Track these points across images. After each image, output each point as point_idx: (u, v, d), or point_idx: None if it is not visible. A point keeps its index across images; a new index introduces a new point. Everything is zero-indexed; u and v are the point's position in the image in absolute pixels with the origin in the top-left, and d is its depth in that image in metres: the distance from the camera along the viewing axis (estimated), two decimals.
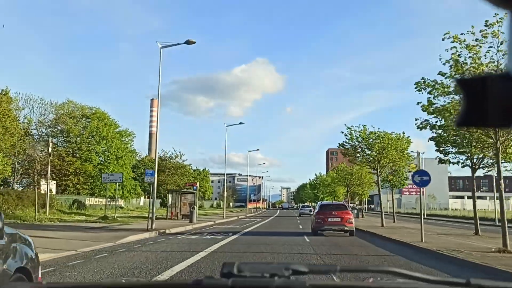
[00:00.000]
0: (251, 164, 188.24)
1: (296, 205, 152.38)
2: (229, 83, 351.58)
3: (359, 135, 23.75)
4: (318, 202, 29.19)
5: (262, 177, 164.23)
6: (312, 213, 36.71)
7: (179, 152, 54.92)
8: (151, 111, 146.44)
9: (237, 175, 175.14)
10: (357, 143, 24.25)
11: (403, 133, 23.19)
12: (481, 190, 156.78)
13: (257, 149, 64.13)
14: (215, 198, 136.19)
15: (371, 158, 23.95)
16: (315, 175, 71.78)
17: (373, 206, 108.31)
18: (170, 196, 32.83)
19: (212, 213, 55.24)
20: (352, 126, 24.02)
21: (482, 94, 0.71)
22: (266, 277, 1.10)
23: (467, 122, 0.75)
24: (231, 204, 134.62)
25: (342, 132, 24.48)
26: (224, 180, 44.53)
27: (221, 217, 40.65)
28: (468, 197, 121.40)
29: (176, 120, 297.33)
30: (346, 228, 19.45)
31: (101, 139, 45.08)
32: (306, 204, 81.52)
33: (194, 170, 79.90)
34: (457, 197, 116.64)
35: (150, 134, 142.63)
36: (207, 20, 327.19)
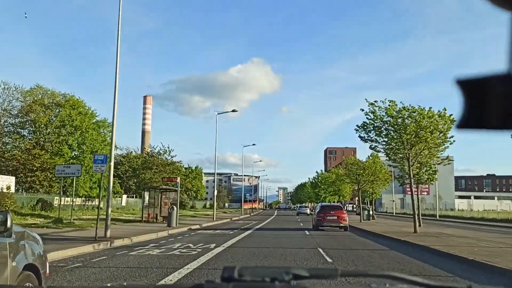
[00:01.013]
0: (248, 164, 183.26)
1: (293, 206, 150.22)
2: (225, 83, 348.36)
3: (386, 112, 18.07)
4: (319, 203, 33.36)
5: (259, 176, 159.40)
6: (308, 213, 53.69)
7: (168, 147, 49.18)
8: (144, 108, 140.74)
9: (233, 175, 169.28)
10: (382, 124, 18.49)
11: (445, 109, 17.37)
12: (485, 190, 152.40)
13: (253, 144, 58.26)
14: (210, 199, 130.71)
15: (402, 144, 18.13)
16: (316, 172, 66.13)
17: (373, 207, 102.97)
18: (146, 194, 27.10)
19: (202, 214, 49.56)
20: (376, 101, 18.44)
21: (482, 96, 0.69)
22: (267, 281, 1.10)
23: (466, 124, 0.71)
24: (226, 204, 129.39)
25: (362, 110, 18.87)
26: (214, 176, 38.80)
27: (211, 218, 35.00)
28: (475, 197, 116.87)
29: (172, 120, 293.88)
30: (341, 225, 23.37)
31: (74, 130, 39.24)
32: (303, 204, 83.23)
33: (186, 168, 74.20)
34: (462, 197, 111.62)
35: (143, 132, 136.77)
36: (203, 20, 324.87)
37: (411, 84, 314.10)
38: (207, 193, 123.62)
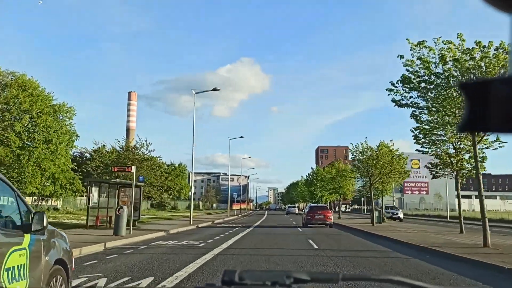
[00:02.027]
0: (237, 165, 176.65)
1: (284, 206, 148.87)
2: (214, 83, 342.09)
3: (441, 56, 11.44)
4: (308, 204, 38.03)
5: (248, 176, 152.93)
6: (296, 212, 61.35)
7: (145, 140, 42.57)
8: (129, 104, 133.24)
9: (221, 174, 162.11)
10: (438, 75, 11.82)
11: None
12: (485, 189, 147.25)
13: (241, 137, 54.39)
14: (199, 199, 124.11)
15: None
16: (312, 168, 59.28)
17: (364, 207, 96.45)
18: (94, 190, 20.25)
19: (182, 216, 42.78)
20: (424, 40, 11.90)
21: (485, 99, 0.69)
22: (268, 285, 1.10)
23: (469, 127, 0.71)
24: (214, 205, 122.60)
25: (401, 57, 12.41)
26: (191, 162, 31.80)
27: (188, 222, 28.27)
28: (476, 197, 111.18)
29: (161, 120, 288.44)
30: (327, 223, 27.22)
31: (23, 113, 32.20)
32: (293, 205, 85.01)
33: (168, 165, 66.99)
34: (463, 196, 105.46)
35: (128, 130, 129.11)
36: (193, 21, 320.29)
37: None
38: (195, 193, 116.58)
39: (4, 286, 3.96)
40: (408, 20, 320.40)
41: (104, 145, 46.32)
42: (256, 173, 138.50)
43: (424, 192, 76.73)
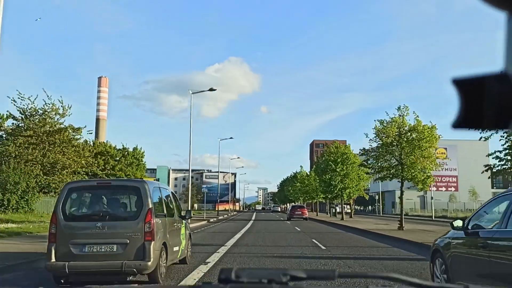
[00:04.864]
0: (226, 166, 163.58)
1: (268, 206, 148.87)
2: (203, 82, 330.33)
3: None
4: (291, 204, 57.47)
5: (235, 173, 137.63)
6: (279, 210, 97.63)
7: (60, 102, 27.38)
8: (98, 91, 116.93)
9: (205, 171, 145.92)
10: None
11: None
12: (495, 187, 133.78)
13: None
14: (180, 199, 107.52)
15: None
16: (316, 157, 41.88)
17: (369, 208, 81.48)
18: None
19: None
20: None
21: (478, 95, 0.69)
22: (264, 283, 1.10)
23: (463, 124, 0.72)
24: (195, 205, 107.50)
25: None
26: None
27: None
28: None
29: (148, 120, 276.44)
30: (303, 217, 38.91)
31: None
32: (276, 204, 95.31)
33: (119, 150, 46.57)
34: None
35: (98, 120, 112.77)
36: (180, 20, 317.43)
37: (390, 85, 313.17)
38: (176, 191, 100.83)
39: (181, 242, 9.20)
40: (398, 23, 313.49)
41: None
42: (245, 173, 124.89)
43: (453, 189, 61.87)
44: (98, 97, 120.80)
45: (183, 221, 9.61)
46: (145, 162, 47.63)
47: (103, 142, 45.72)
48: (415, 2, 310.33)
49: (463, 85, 0.70)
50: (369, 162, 23.35)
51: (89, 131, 29.96)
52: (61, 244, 6.90)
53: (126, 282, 7.05)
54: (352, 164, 33.72)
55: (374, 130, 20.75)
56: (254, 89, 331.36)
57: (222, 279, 1.10)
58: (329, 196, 38.89)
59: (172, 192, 9.58)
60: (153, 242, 6.97)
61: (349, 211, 45.93)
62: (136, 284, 7.28)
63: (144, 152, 46.90)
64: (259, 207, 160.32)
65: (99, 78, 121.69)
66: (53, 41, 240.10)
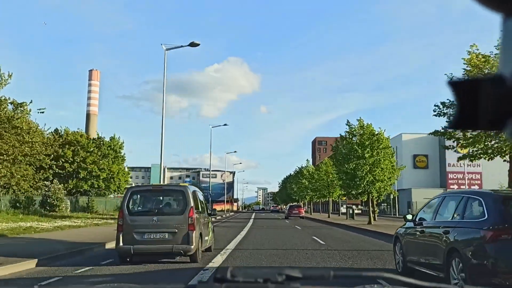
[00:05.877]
0: (227, 166, 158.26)
1: (264, 206, 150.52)
2: (202, 82, 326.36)
3: None
4: (289, 204, 59.40)
5: (234, 172, 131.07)
6: (278, 210, 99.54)
7: (8, 75, 20.40)
8: (89, 85, 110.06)
9: (203, 169, 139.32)
10: None
11: None
12: None
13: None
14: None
15: None
16: (336, 140, 31.25)
17: (394, 209, 74.25)
18: None
19: (79, 226, 21.12)
20: None
21: (474, 97, 0.70)
22: (260, 282, 1.10)
23: (458, 124, 0.73)
24: None
25: None
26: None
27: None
28: None
29: (148, 121, 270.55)
30: (300, 215, 43.58)
31: None
32: (274, 204, 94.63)
33: (94, 139, 41.12)
34: None
35: (88, 115, 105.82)
36: (181, 20, 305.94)
37: (390, 86, 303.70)
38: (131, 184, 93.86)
39: (209, 233, 11.80)
40: (398, 23, 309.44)
41: None
42: (243, 170, 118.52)
43: (476, 187, 55.26)
44: (89, 91, 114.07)
45: (209, 217, 12.44)
46: (124, 154, 40.55)
47: (75, 131, 38.65)
48: (415, 2, 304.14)
49: (459, 87, 0.70)
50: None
51: (40, 109, 22.23)
52: (127, 233, 9.50)
53: (174, 262, 9.89)
54: (384, 150, 26.28)
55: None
56: (254, 89, 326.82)
57: (217, 278, 1.09)
58: (352, 192, 28.69)
59: (202, 195, 12.37)
60: (194, 231, 9.61)
61: (359, 211, 39.66)
62: (135, 284, 7.39)
63: (123, 143, 39.96)
64: (257, 207, 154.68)
65: (90, 71, 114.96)
66: (53, 41, 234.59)
